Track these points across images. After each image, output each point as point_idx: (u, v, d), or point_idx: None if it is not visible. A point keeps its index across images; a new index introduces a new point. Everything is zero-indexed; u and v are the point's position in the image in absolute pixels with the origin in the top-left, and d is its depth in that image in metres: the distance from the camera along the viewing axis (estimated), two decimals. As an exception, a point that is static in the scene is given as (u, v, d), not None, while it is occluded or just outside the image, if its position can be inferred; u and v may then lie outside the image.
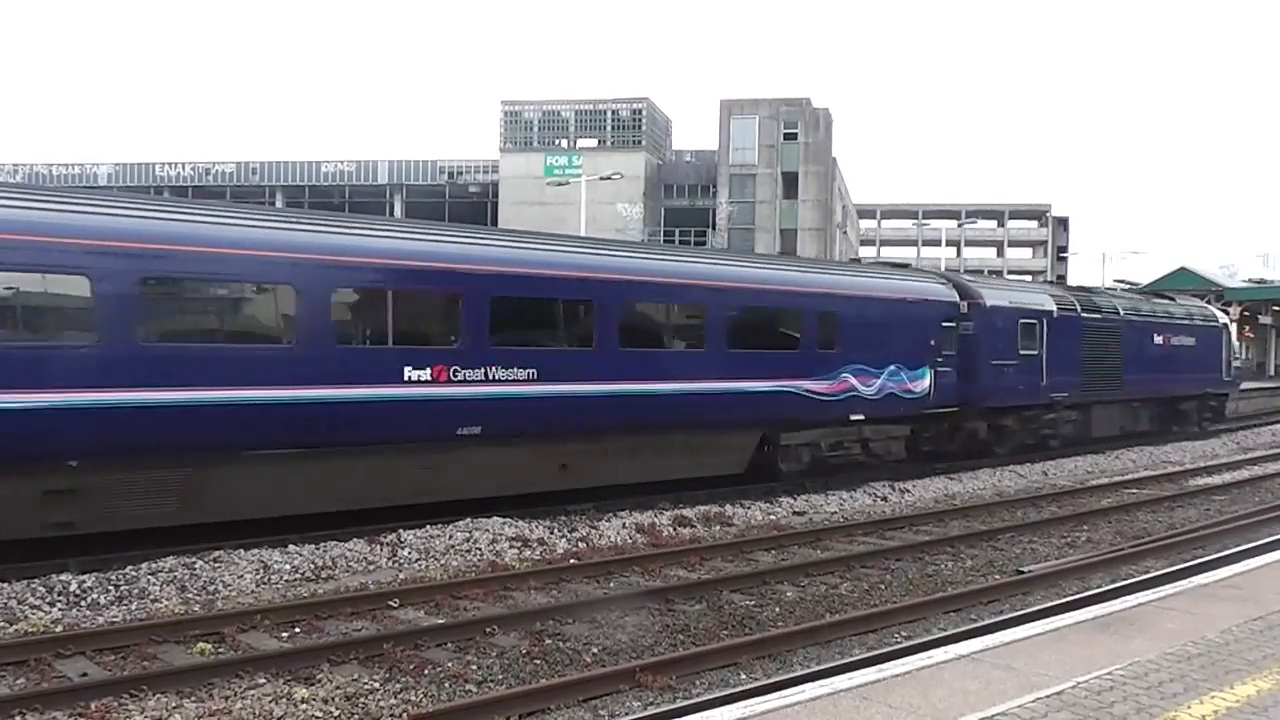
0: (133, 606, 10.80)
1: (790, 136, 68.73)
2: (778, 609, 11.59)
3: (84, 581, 11.16)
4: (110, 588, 11.13)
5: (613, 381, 16.04)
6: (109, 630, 9.87)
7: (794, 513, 17.73)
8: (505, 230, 29.42)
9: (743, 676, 9.21)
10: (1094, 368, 26.71)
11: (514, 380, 14.85)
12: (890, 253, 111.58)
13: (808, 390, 19.03)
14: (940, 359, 21.80)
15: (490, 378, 14.60)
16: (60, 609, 10.56)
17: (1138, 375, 28.78)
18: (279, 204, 68.44)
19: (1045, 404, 25.26)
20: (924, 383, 21.37)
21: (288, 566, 12.29)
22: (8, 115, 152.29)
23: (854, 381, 19.81)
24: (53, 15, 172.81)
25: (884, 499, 19.50)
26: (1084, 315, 26.65)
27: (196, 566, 11.90)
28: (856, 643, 10.31)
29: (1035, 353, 24.52)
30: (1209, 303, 59.66)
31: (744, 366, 17.98)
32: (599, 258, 16.67)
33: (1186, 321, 32.48)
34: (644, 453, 16.99)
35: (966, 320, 22.80)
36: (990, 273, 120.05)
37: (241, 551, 12.45)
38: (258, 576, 11.92)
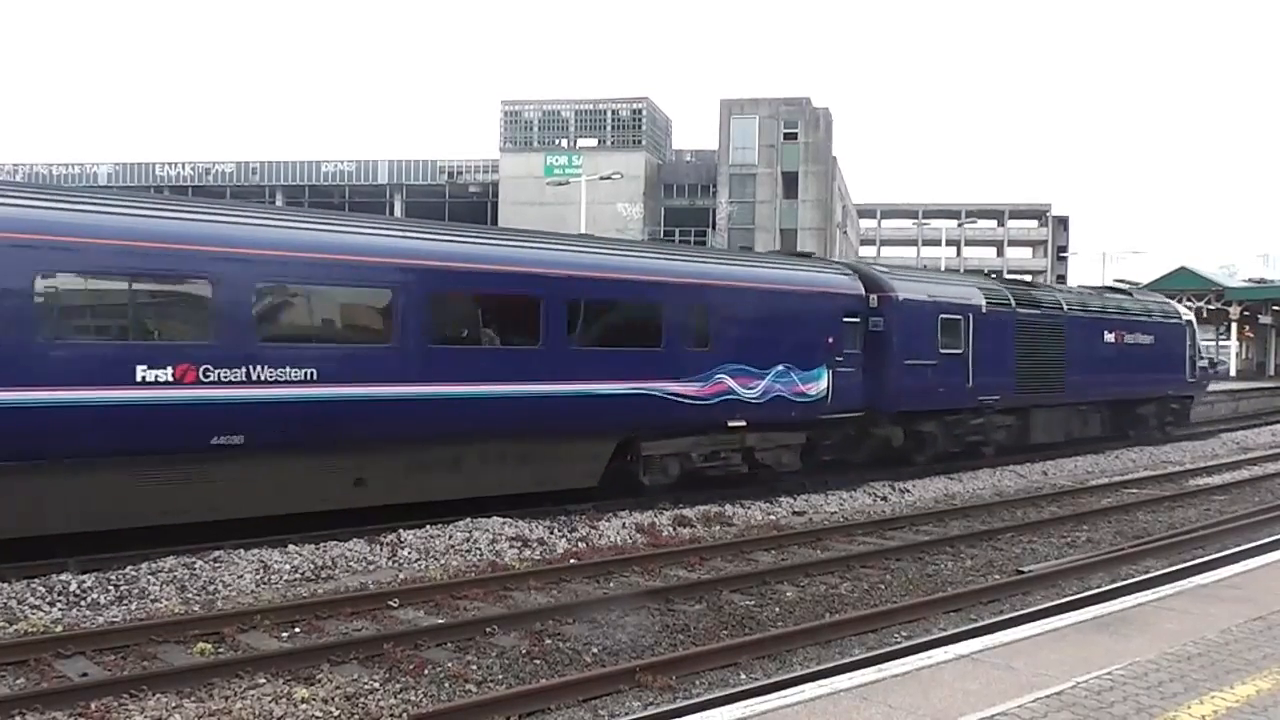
0: (133, 606, 10.80)
1: (790, 136, 68.76)
2: (778, 609, 11.59)
3: (84, 581, 11.16)
4: (110, 588, 11.13)
5: (419, 383, 14.06)
6: (109, 630, 9.87)
7: (794, 513, 17.74)
8: (281, 209, 26.45)
9: (743, 676, 9.21)
10: (1032, 368, 24.56)
11: (286, 381, 12.82)
12: (891, 252, 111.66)
13: (672, 393, 16.89)
14: (841, 358, 19.61)
15: (254, 378, 12.58)
16: (60, 609, 10.56)
17: (1085, 376, 26.49)
18: (279, 204, 68.45)
19: (972, 408, 22.85)
20: (820, 384, 19.22)
21: (288, 566, 12.29)
22: (8, 115, 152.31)
23: (731, 383, 17.71)
24: (52, 15, 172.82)
25: (884, 499, 19.51)
26: (1019, 310, 24.38)
27: (196, 566, 11.90)
28: (856, 643, 10.32)
29: (959, 351, 22.21)
30: (1209, 302, 60.13)
31: (590, 366, 15.91)
32: (406, 241, 14.51)
33: (1143, 318, 30.05)
34: (468, 464, 14.96)
35: (876, 315, 20.59)
36: (991, 272, 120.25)
37: (241, 551, 12.45)
38: (258, 576, 11.92)
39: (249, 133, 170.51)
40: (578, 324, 15.99)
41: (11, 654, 9.07)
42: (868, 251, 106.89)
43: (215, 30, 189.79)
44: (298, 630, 10.25)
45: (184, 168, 77.24)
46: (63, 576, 11.18)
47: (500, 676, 9.08)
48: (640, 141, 70.65)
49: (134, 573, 11.50)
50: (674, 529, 15.69)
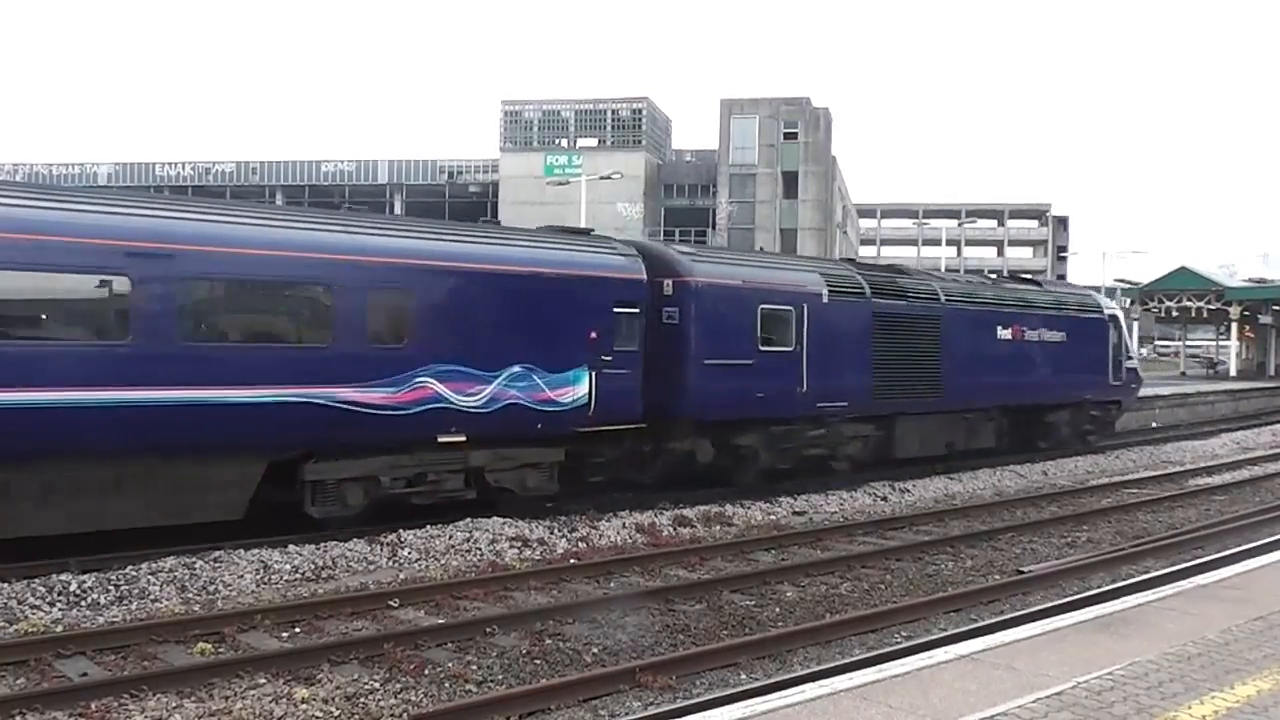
0: (133, 606, 10.80)
1: (790, 136, 68.79)
2: (778, 609, 11.60)
3: (84, 581, 11.17)
4: (110, 588, 11.13)
5: None
6: (109, 630, 9.88)
7: (794, 513, 17.74)
8: None
9: (743, 676, 9.22)
10: (896, 369, 20.79)
11: None
12: (891, 252, 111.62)
13: (348, 401, 13.47)
14: (609, 357, 15.99)
15: None
16: (60, 609, 10.56)
17: (971, 379, 22.61)
18: (279, 204, 68.43)
19: (810, 416, 19.16)
20: (578, 389, 15.65)
21: (288, 566, 12.29)
22: (8, 115, 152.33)
23: (441, 388, 14.17)
24: (53, 15, 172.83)
25: (884, 499, 19.51)
26: (878, 300, 20.45)
27: (196, 566, 11.90)
28: (857, 643, 10.32)
29: (789, 349, 18.57)
30: (1209, 302, 60.08)
31: (212, 366, 12.53)
32: None
33: (1052, 312, 25.93)
34: (27, 494, 11.52)
35: (671, 305, 17.03)
36: (990, 272, 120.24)
37: (241, 551, 12.46)
38: (258, 576, 11.93)
39: (249, 133, 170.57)
40: (193, 313, 12.61)
41: (12, 654, 9.07)
42: (868, 251, 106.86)
43: (215, 30, 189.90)
44: (298, 630, 10.26)
45: (184, 168, 77.25)
46: (63, 576, 11.18)
47: (500, 676, 9.09)
48: (640, 141, 70.67)
49: (134, 573, 11.51)
50: (674, 529, 15.70)
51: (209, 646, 9.60)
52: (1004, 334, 23.91)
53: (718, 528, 16.13)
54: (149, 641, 9.62)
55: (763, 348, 18.18)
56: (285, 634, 10.12)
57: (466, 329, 14.71)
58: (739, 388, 17.75)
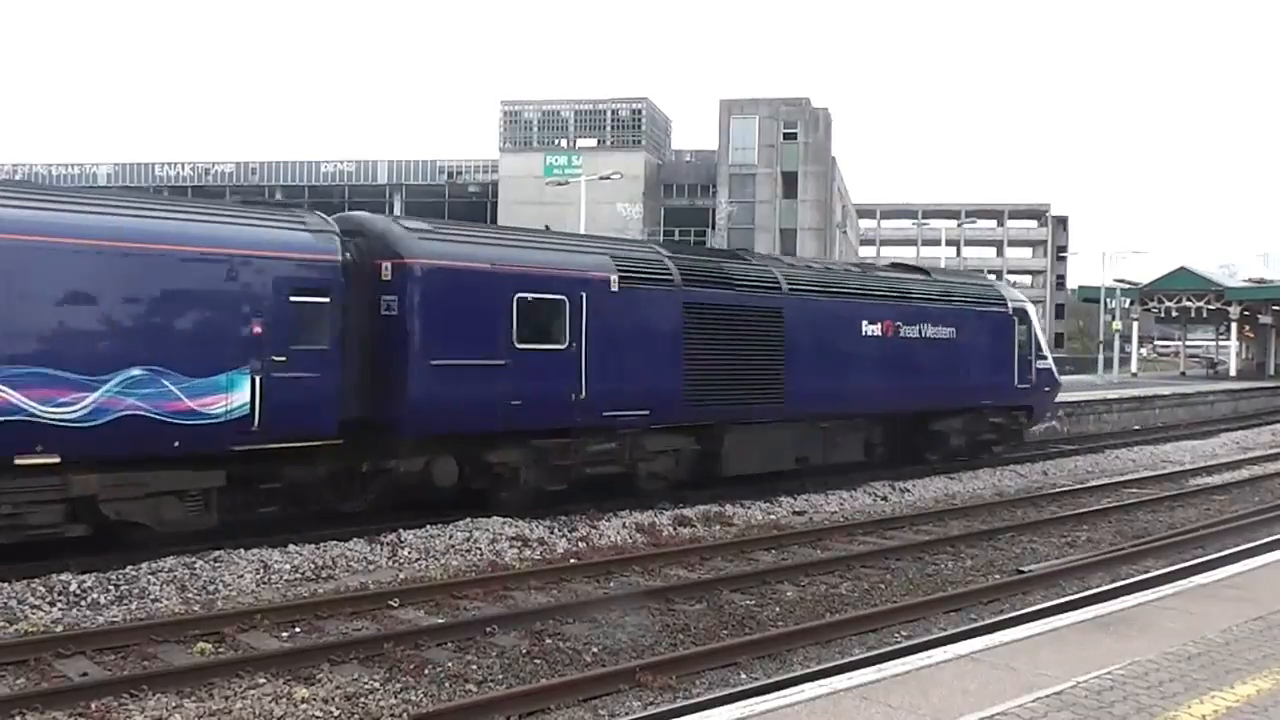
0: (133, 606, 10.80)
1: (790, 136, 68.88)
2: (778, 609, 11.60)
3: (84, 581, 11.16)
4: (110, 587, 11.13)
5: None
6: (109, 630, 9.88)
7: (794, 512, 17.74)
8: None
9: (743, 676, 9.22)
10: (718, 371, 17.56)
11: None
12: (890, 252, 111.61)
13: None
14: (283, 357, 12.90)
15: None
16: (60, 609, 10.56)
17: (826, 382, 19.36)
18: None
19: (595, 427, 16.13)
20: (233, 397, 12.56)
21: (288, 566, 12.29)
22: (8, 115, 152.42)
23: (13, 396, 11.12)
24: (52, 15, 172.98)
25: (884, 499, 19.50)
26: (689, 288, 17.21)
27: (196, 566, 11.90)
28: (856, 642, 10.32)
29: (562, 346, 15.48)
30: (1209, 302, 60.17)
31: None
32: None
33: (938, 304, 22.23)
34: None
35: (390, 293, 14.07)
36: (990, 272, 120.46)
37: (241, 551, 12.45)
38: (258, 576, 11.92)
39: (249, 133, 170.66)
40: None
41: (12, 654, 9.07)
42: (867, 251, 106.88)
43: (215, 30, 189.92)
44: (298, 630, 10.25)
45: (184, 168, 77.29)
46: (63, 576, 11.18)
47: (500, 676, 9.09)
48: (640, 141, 70.72)
49: (134, 573, 11.51)
50: (674, 529, 15.70)
51: (209, 646, 9.60)
52: (872, 330, 20.43)
53: (718, 527, 16.13)
54: (149, 641, 9.61)
55: (521, 345, 14.97)
56: (285, 634, 10.12)
57: (54, 321, 11.61)
58: (485, 394, 14.63)
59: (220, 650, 9.57)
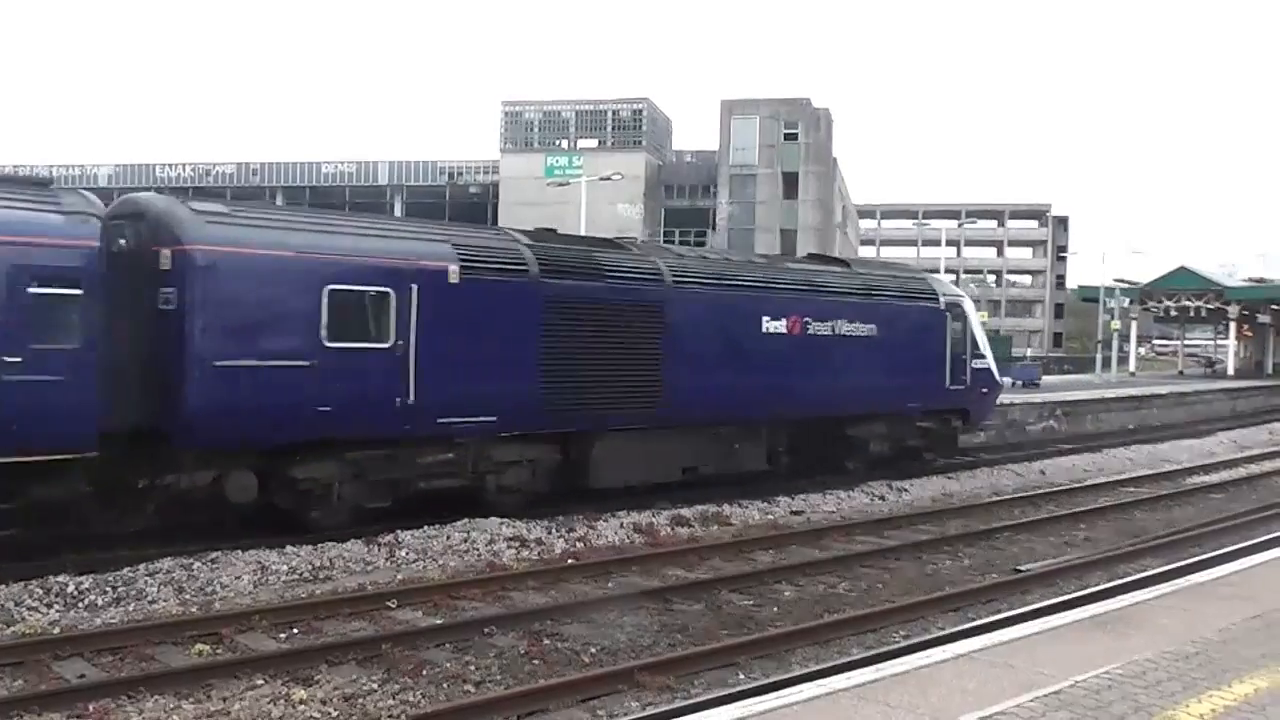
0: (130, 608, 10.78)
1: (790, 136, 68.86)
2: (776, 608, 11.60)
3: (81, 583, 11.15)
4: (108, 589, 11.11)
5: None
6: (107, 631, 9.88)
7: (792, 512, 17.72)
8: None
9: (741, 676, 9.22)
10: (582, 372, 15.81)
11: None
12: (890, 252, 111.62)
13: None
14: (19, 358, 11.14)
15: None
16: (58, 610, 10.55)
17: (715, 383, 17.53)
18: (280, 205, 68.46)
19: (428, 436, 14.44)
20: None
21: (285, 567, 12.27)
22: (8, 115, 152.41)
23: None
24: (53, 15, 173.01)
25: (881, 498, 19.49)
26: (549, 280, 15.47)
27: (194, 567, 11.89)
28: (855, 642, 10.32)
29: (386, 345, 13.80)
30: (1208, 301, 60.15)
31: None
32: None
33: (854, 299, 20.24)
34: None
35: (169, 285, 12.43)
36: (990, 273, 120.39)
37: (239, 552, 12.44)
38: (255, 577, 11.90)
39: (249, 133, 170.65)
40: None
41: (9, 655, 9.07)
42: (867, 251, 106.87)
43: (215, 30, 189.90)
44: (295, 631, 10.24)
45: (184, 169, 77.25)
46: (60, 578, 11.16)
47: (499, 677, 9.08)
48: (640, 142, 70.68)
49: (131, 574, 11.50)
50: (672, 529, 15.69)
51: (206, 647, 9.59)
52: (774, 326, 18.56)
53: (716, 527, 16.12)
54: (146, 643, 9.61)
55: (332, 344, 13.31)
56: (283, 635, 10.11)
57: None
58: (286, 400, 12.99)
59: (218, 651, 9.55)
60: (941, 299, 22.32)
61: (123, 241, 12.44)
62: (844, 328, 19.85)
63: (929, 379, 21.65)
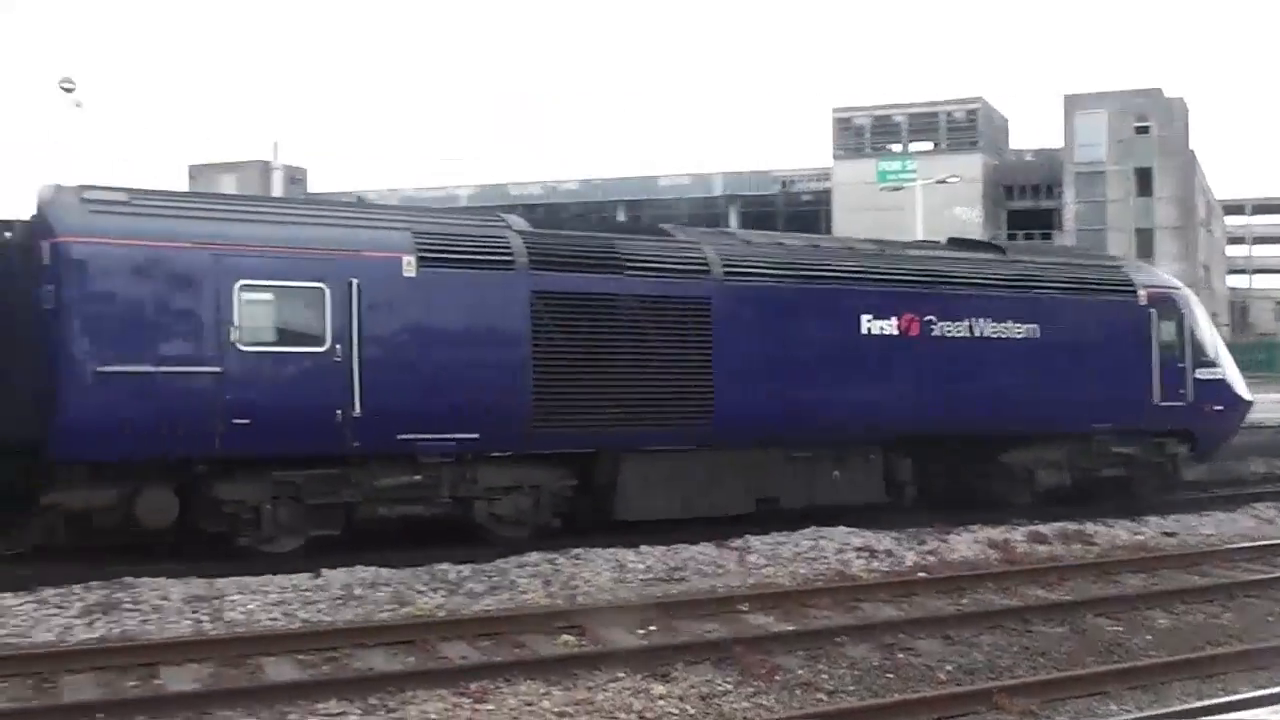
0: (503, 596, 11.56)
1: (1142, 130, 64.71)
2: (1149, 636, 10.75)
3: (461, 571, 12.08)
4: (484, 578, 11.98)
5: None
6: (483, 617, 10.64)
7: (1164, 533, 16.36)
8: None
9: (1112, 707, 8.61)
10: (593, 382, 13.53)
11: None
12: (1265, 251, 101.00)
13: None
14: None
15: None
16: (442, 595, 11.47)
17: (791, 397, 14.79)
18: (621, 220, 71.54)
19: (384, 455, 12.61)
20: None
21: (641, 566, 12.75)
22: (389, 145, 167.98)
23: None
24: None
25: (1270, 522, 17.61)
26: (540, 272, 13.32)
27: (558, 563, 12.60)
28: (1244, 679, 9.36)
29: (320, 349, 12.09)
30: None
31: None
32: None
33: (1005, 291, 16.84)
34: None
35: (50, 282, 11.30)
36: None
37: (598, 550, 13.05)
38: (615, 575, 12.45)
39: (593, 151, 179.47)
40: None
41: (402, 634, 9.95)
42: (1237, 251, 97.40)
43: (561, 58, 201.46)
44: (653, 628, 10.58)
45: (535, 187, 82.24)
46: (442, 566, 12.18)
47: (852, 688, 8.97)
48: (976, 143, 68.35)
49: (504, 565, 12.37)
50: (1029, 545, 14.95)
51: (571, 638, 10.08)
52: (878, 326, 15.48)
53: (1077, 546, 15.18)
54: (518, 630, 10.23)
55: (248, 347, 11.78)
56: (641, 631, 10.48)
57: None
58: (189, 409, 11.43)
59: (582, 643, 10.02)
60: (1142, 292, 17.95)
61: (8, 235, 11.68)
62: (987, 328, 16.39)
63: (1126, 393, 17.48)
